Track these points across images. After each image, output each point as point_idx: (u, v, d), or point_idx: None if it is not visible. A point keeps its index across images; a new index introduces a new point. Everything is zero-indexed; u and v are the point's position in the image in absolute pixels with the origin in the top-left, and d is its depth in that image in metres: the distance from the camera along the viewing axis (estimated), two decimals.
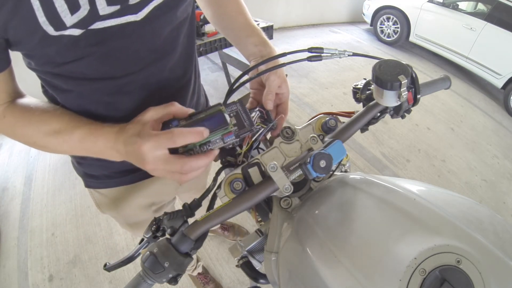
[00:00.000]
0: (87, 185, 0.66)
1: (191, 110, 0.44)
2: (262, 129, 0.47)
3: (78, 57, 0.41)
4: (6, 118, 0.44)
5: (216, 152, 0.43)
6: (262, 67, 0.50)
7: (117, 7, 0.39)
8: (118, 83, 0.47)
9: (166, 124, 0.42)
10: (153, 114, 0.41)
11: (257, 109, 0.49)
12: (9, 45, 0.39)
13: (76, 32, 0.38)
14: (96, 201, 0.69)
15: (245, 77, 0.51)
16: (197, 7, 0.63)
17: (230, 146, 0.49)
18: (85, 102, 0.49)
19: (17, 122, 0.45)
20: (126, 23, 0.41)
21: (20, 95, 0.47)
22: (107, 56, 0.43)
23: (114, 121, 0.45)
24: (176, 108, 0.43)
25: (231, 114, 0.44)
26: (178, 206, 1.04)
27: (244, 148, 0.47)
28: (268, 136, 0.55)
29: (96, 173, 0.63)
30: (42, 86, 0.52)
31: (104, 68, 0.45)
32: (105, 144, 0.43)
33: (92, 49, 0.41)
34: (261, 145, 0.55)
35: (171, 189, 0.79)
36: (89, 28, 0.38)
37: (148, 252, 0.35)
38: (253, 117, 0.47)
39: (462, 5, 3.90)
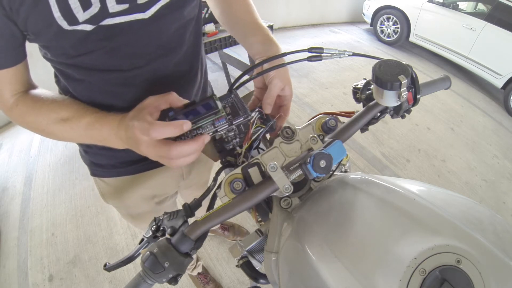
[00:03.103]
0: (93, 174, 0.68)
1: (187, 101, 0.46)
2: (262, 129, 0.48)
3: (89, 50, 0.44)
4: (19, 107, 0.48)
5: (206, 138, 0.43)
6: (265, 66, 0.50)
7: (126, 5, 0.42)
8: (126, 75, 0.50)
9: (165, 113, 0.43)
10: (151, 101, 0.43)
11: (257, 109, 0.50)
12: (28, 38, 0.43)
13: (88, 27, 0.41)
14: (101, 190, 0.71)
15: (245, 77, 0.51)
16: None
17: (231, 146, 0.49)
18: (94, 91, 0.52)
19: (28, 111, 0.48)
20: (134, 20, 0.44)
21: (32, 86, 0.50)
22: (116, 50, 0.46)
23: (120, 111, 0.47)
24: (173, 97, 0.44)
25: (226, 105, 0.46)
26: (178, 205, 1.04)
27: (244, 147, 0.47)
28: (268, 136, 0.55)
29: (102, 162, 0.65)
30: (56, 76, 0.56)
31: (113, 61, 0.48)
32: (109, 131, 0.45)
33: (102, 43, 0.44)
34: (261, 145, 0.55)
35: (174, 183, 0.80)
36: (100, 24, 0.41)
37: (148, 252, 0.35)
38: (252, 117, 0.48)
39: (462, 5, 3.90)
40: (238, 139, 0.49)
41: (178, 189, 1.02)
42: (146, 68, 0.51)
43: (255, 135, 0.48)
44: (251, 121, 0.48)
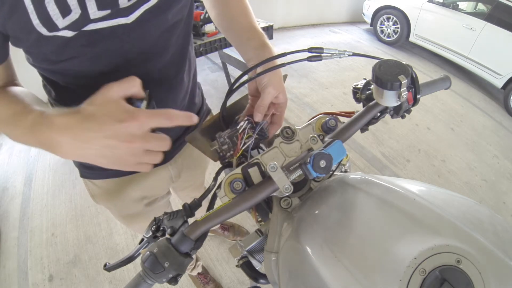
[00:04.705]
0: (82, 175, 0.68)
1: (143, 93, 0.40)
2: (252, 138, 0.48)
3: (72, 56, 0.43)
4: None
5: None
6: (261, 68, 0.49)
7: (108, 11, 0.40)
8: (110, 80, 0.48)
9: (132, 103, 0.38)
10: (118, 90, 0.36)
11: (246, 118, 0.49)
12: (11, 41, 0.41)
13: (69, 33, 0.39)
14: (91, 192, 0.71)
15: (245, 77, 0.51)
16: (197, 7, 0.63)
17: (226, 161, 0.49)
18: (80, 97, 0.49)
19: None
20: (117, 25, 0.43)
21: (13, 83, 0.48)
22: (99, 56, 0.45)
23: None
24: (137, 82, 0.38)
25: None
26: (178, 206, 1.05)
27: (235, 158, 0.47)
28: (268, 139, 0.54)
29: (90, 164, 0.64)
30: (42, 81, 0.54)
31: (96, 67, 0.47)
32: (34, 119, 0.36)
33: (84, 50, 0.43)
34: (261, 145, 0.55)
35: (163, 185, 0.80)
36: (81, 30, 0.40)
37: (148, 252, 0.35)
38: (241, 126, 0.48)
39: (462, 5, 3.90)
40: (232, 152, 0.49)
41: (174, 191, 1.01)
42: (130, 73, 0.49)
43: (246, 145, 0.47)
44: (240, 131, 0.48)
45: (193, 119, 0.38)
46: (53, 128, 0.35)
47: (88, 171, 0.66)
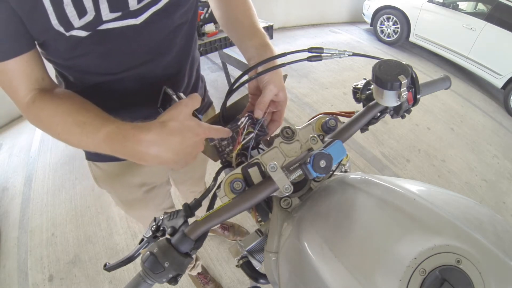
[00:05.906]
0: (87, 158, 0.71)
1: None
2: (253, 134, 0.48)
3: (83, 53, 0.46)
4: (35, 104, 0.44)
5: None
6: (262, 68, 0.50)
7: (119, 13, 0.44)
8: (116, 77, 0.53)
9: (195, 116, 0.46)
10: (192, 107, 0.44)
11: (247, 115, 0.50)
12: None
13: (83, 33, 0.43)
14: (94, 175, 0.74)
15: (245, 77, 0.51)
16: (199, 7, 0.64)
17: (225, 155, 0.50)
18: (85, 91, 0.51)
19: (46, 107, 0.44)
20: (127, 26, 0.46)
21: (52, 85, 0.49)
22: (108, 54, 0.48)
23: (107, 108, 0.45)
24: (200, 99, 0.46)
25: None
26: (178, 205, 1.05)
27: (234, 153, 0.48)
28: (268, 136, 0.55)
29: None
30: (56, 76, 0.58)
31: (104, 64, 0.50)
32: (145, 137, 0.39)
33: (95, 47, 0.46)
34: (261, 145, 0.55)
35: (162, 172, 0.84)
36: (95, 30, 0.43)
37: (148, 252, 0.36)
38: (242, 122, 0.49)
39: (462, 5, 3.89)
40: (231, 147, 0.49)
41: (174, 184, 1.03)
42: (135, 71, 0.53)
43: (245, 140, 0.48)
44: (241, 127, 0.49)
45: (229, 134, 0.49)
46: (142, 144, 0.39)
47: (92, 153, 0.68)
